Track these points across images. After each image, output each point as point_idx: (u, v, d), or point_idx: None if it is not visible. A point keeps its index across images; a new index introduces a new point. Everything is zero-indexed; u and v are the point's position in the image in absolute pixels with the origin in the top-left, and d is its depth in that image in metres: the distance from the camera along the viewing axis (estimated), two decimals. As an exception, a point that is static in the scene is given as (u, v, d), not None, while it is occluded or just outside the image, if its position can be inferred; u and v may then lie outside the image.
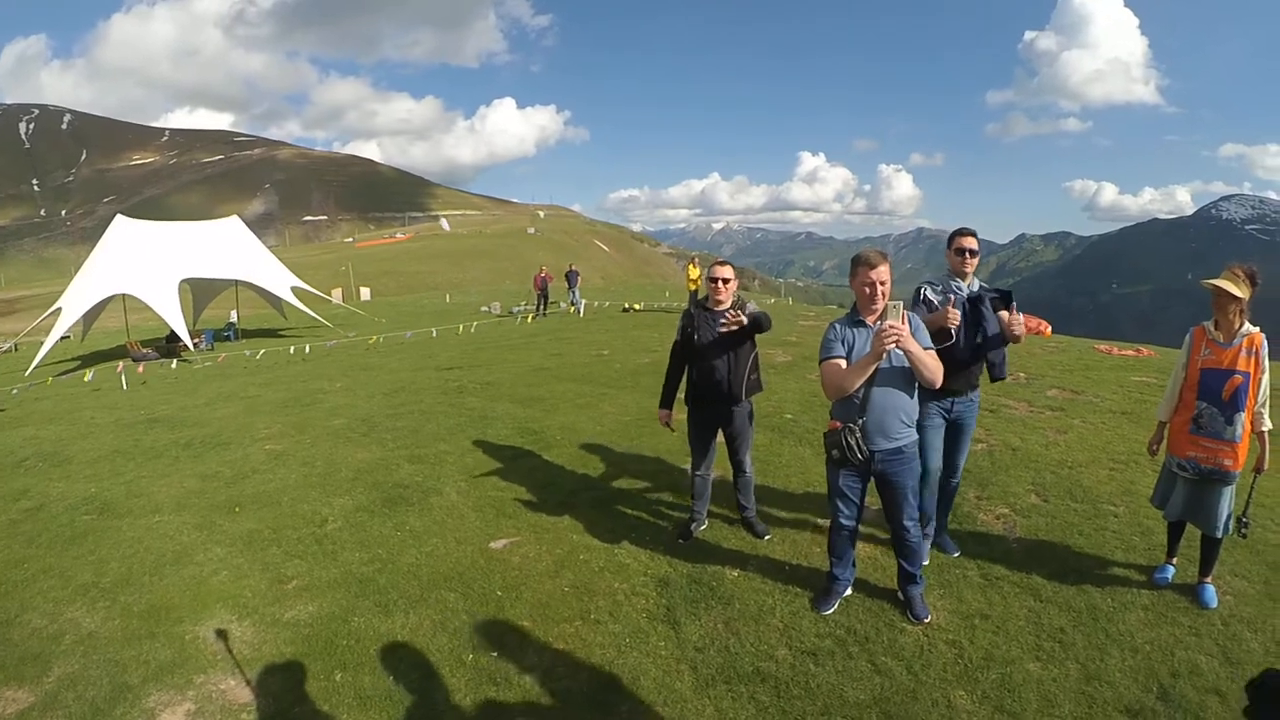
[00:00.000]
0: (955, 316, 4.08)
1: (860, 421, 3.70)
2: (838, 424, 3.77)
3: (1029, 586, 4.33)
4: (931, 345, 3.75)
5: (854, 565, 4.30)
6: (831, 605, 4.18)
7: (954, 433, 4.55)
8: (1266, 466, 3.97)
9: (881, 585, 4.38)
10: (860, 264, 3.75)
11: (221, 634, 4.16)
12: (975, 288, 4.38)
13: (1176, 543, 4.39)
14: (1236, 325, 3.89)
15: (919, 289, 4.48)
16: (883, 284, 3.67)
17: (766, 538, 5.07)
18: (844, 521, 4.03)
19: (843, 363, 3.73)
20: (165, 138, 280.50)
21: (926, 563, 4.47)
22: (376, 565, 4.93)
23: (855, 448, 3.68)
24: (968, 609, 4.13)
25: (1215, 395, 3.89)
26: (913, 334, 3.54)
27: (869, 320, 3.77)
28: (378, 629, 4.16)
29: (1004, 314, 4.33)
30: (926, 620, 4.00)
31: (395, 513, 5.81)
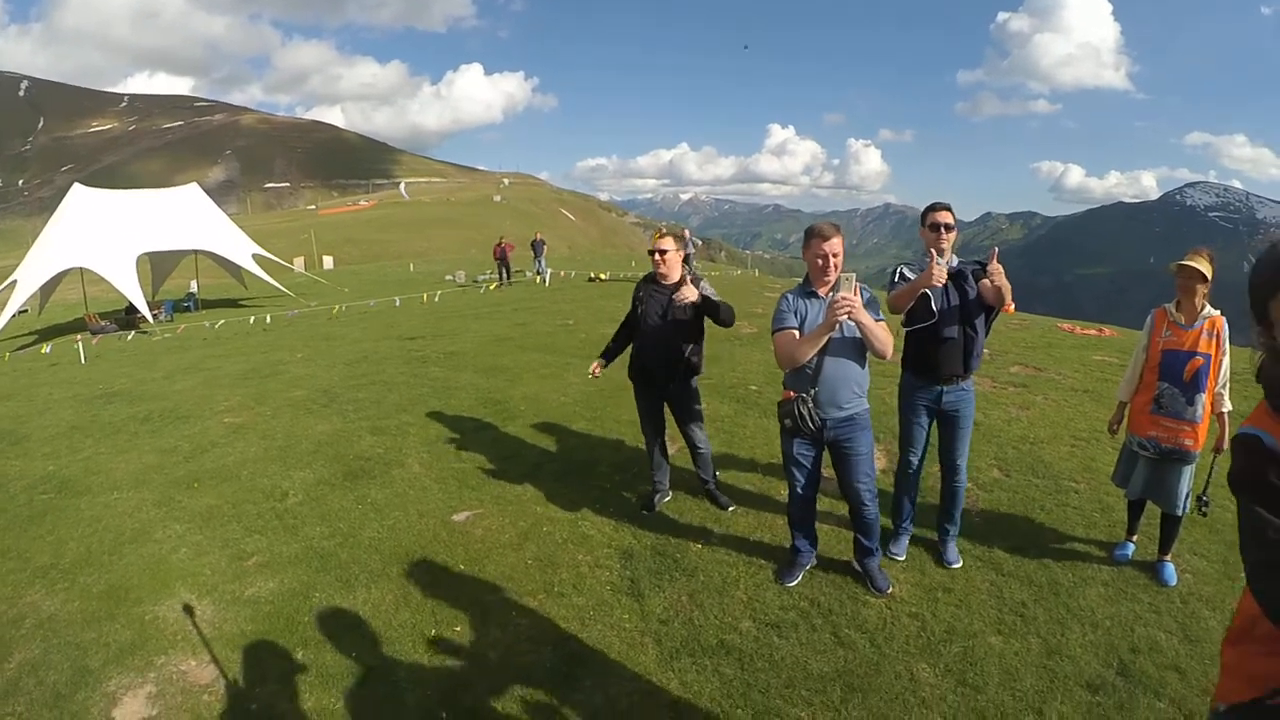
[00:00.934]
0: (941, 273, 3.76)
1: (813, 391, 3.73)
2: (791, 394, 3.80)
3: (991, 560, 4.37)
4: (882, 317, 3.77)
5: (816, 537, 4.33)
6: (795, 577, 4.20)
7: (948, 426, 4.25)
8: (1225, 446, 3.95)
9: (844, 559, 4.39)
10: (814, 236, 3.76)
11: (183, 613, 4.07)
12: (954, 264, 4.08)
13: (1137, 520, 4.47)
14: (1199, 308, 3.96)
15: (894, 269, 4.25)
16: (835, 256, 3.70)
17: (730, 509, 5.05)
18: (800, 491, 4.06)
19: (795, 333, 3.75)
20: (124, 103, 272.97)
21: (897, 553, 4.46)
22: (338, 539, 4.84)
23: (808, 417, 3.71)
24: (930, 582, 4.16)
25: (1176, 376, 3.96)
26: (865, 306, 3.57)
27: (821, 292, 3.79)
28: (339, 605, 4.10)
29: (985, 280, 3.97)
30: (888, 591, 4.05)
31: (356, 486, 5.71)
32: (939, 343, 4.04)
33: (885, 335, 3.64)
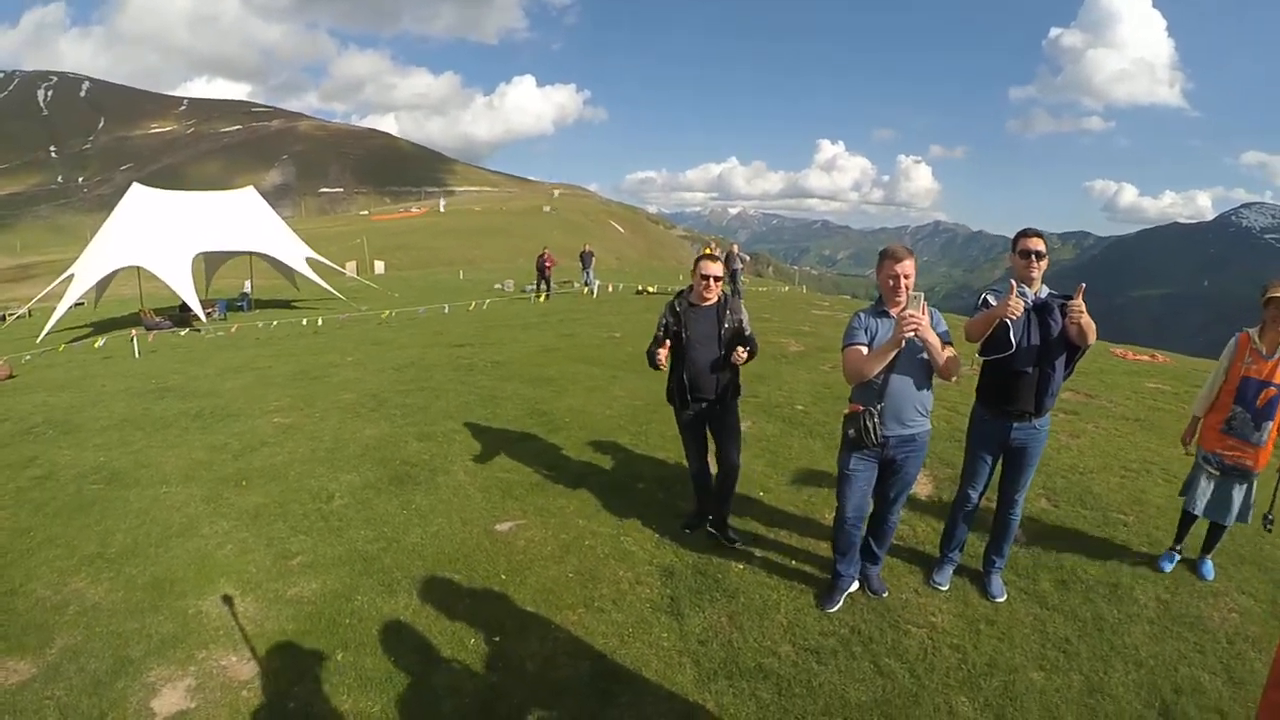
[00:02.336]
0: (1017, 305, 3.64)
1: (879, 406, 3.79)
2: (858, 406, 3.86)
3: (1035, 593, 4.30)
4: (950, 340, 3.80)
5: (858, 561, 4.30)
6: (836, 602, 4.19)
7: (1013, 462, 4.15)
8: None
9: (892, 586, 4.35)
10: (887, 257, 3.86)
11: (226, 608, 4.17)
12: (1043, 295, 3.91)
13: (1185, 532, 4.66)
14: None
15: (981, 295, 4.07)
16: (907, 277, 3.77)
17: (737, 544, 4.86)
18: (848, 510, 4.07)
19: (864, 349, 3.83)
20: (184, 107, 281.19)
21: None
22: (381, 544, 4.92)
23: (872, 430, 3.77)
24: (973, 613, 4.10)
25: (1250, 402, 4.18)
26: (933, 326, 3.68)
27: (893, 311, 3.83)
28: (381, 609, 4.16)
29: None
30: (884, 595, 4.24)
31: (402, 491, 5.79)
32: (1014, 376, 3.91)
33: (953, 356, 3.75)
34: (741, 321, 4.64)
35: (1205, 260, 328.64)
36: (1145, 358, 12.10)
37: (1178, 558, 4.62)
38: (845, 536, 4.15)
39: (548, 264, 24.75)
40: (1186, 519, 4.61)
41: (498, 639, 3.88)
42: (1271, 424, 4.14)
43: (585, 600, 4.25)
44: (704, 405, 4.73)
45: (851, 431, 3.85)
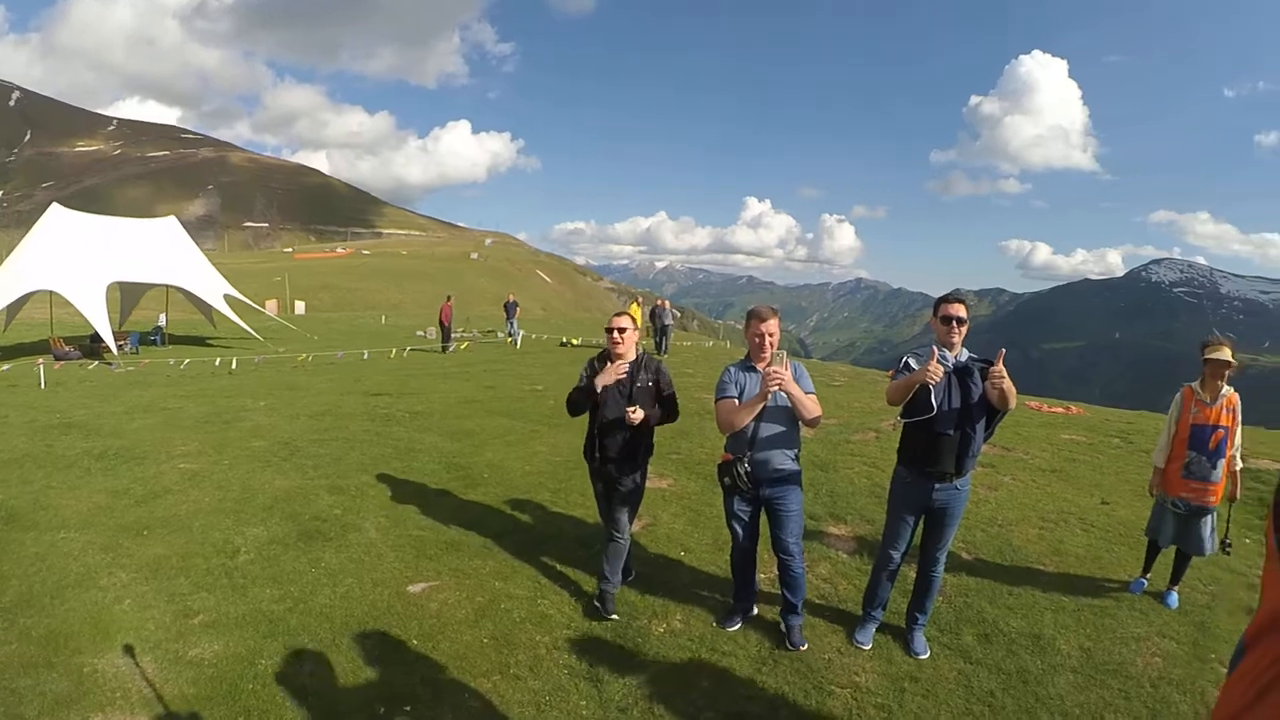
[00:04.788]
0: (937, 370, 3.74)
1: (749, 454, 4.13)
2: (729, 455, 4.21)
3: (959, 648, 4.32)
4: (813, 390, 4.16)
5: (756, 588, 4.67)
6: (735, 624, 4.53)
7: (934, 522, 4.21)
8: (1239, 495, 4.99)
9: (814, 647, 4.32)
10: (753, 318, 4.22)
11: (123, 668, 3.89)
12: (964, 358, 3.99)
13: (1153, 561, 5.25)
14: (1220, 388, 4.75)
15: (902, 359, 4.16)
16: (771, 335, 4.13)
17: (613, 618, 4.66)
18: (740, 543, 4.42)
19: (735, 401, 4.16)
20: (112, 126, 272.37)
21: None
22: (288, 604, 4.66)
23: (744, 476, 4.13)
24: (897, 671, 4.09)
25: (1203, 446, 4.77)
26: (796, 379, 4.04)
27: (759, 366, 4.17)
28: (286, 674, 3.92)
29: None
30: (803, 648, 4.31)
31: (311, 547, 5.53)
32: (935, 438, 3.94)
33: (814, 405, 4.08)
34: (656, 382, 4.62)
35: (1117, 313, 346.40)
36: (1060, 410, 12.51)
37: (1146, 583, 5.18)
38: (740, 561, 4.52)
39: (445, 313, 23.28)
40: (1152, 550, 5.21)
41: (409, 708, 3.68)
42: (1224, 461, 4.75)
43: (501, 667, 4.07)
44: (611, 464, 4.63)
45: (726, 479, 4.21)
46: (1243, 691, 1.65)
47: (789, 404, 4.07)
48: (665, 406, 4.65)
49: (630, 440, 4.58)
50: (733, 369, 4.28)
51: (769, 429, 4.13)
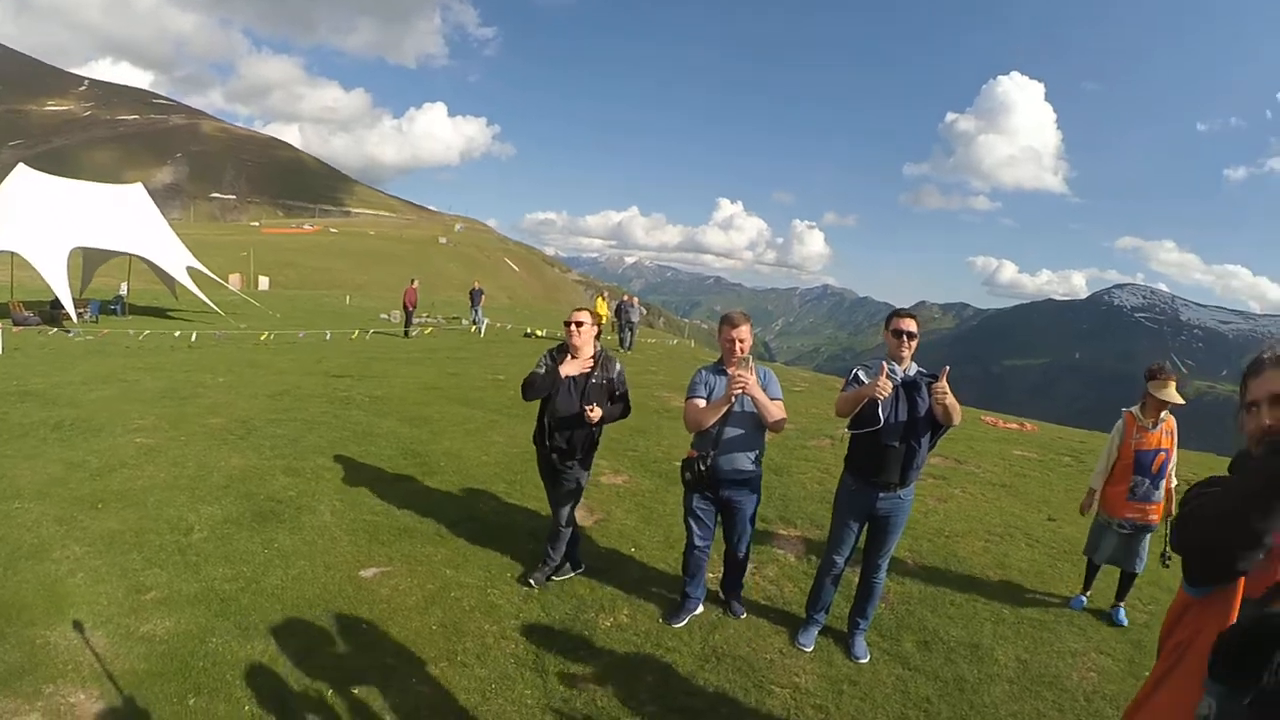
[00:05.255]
0: (885, 386, 3.82)
1: (712, 453, 4.27)
2: (694, 452, 4.35)
3: (898, 654, 4.43)
4: (780, 396, 4.31)
5: (705, 586, 4.80)
6: (682, 620, 4.62)
7: (877, 529, 4.29)
8: (1174, 512, 4.91)
9: (757, 647, 4.40)
10: (725, 323, 4.34)
11: (75, 642, 3.88)
12: (912, 372, 4.09)
13: (1093, 578, 5.41)
14: (1160, 414, 4.99)
15: (852, 370, 4.23)
16: (742, 341, 4.26)
17: (530, 584, 4.91)
18: (697, 542, 4.56)
19: (703, 402, 4.32)
20: (84, 87, 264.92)
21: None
22: (240, 584, 4.65)
23: (704, 473, 4.27)
24: (836, 674, 4.18)
25: (1146, 469, 5.00)
26: (763, 385, 4.21)
27: (730, 370, 4.24)
28: (236, 653, 3.92)
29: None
30: (742, 617, 4.72)
31: (265, 528, 5.51)
32: (881, 450, 4.03)
33: (778, 410, 4.22)
34: (612, 380, 4.73)
35: (1078, 334, 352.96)
36: (1014, 425, 12.76)
37: (1086, 600, 5.35)
38: (693, 560, 4.61)
39: (408, 297, 23.41)
40: (1091, 569, 5.39)
41: (356, 690, 3.71)
42: (1164, 481, 5.03)
43: (449, 654, 4.10)
44: (556, 454, 4.76)
45: (688, 475, 4.35)
46: (1148, 685, 1.82)
47: (754, 409, 4.21)
48: (617, 404, 4.77)
49: (576, 433, 4.69)
50: (704, 371, 4.45)
51: (732, 431, 4.28)
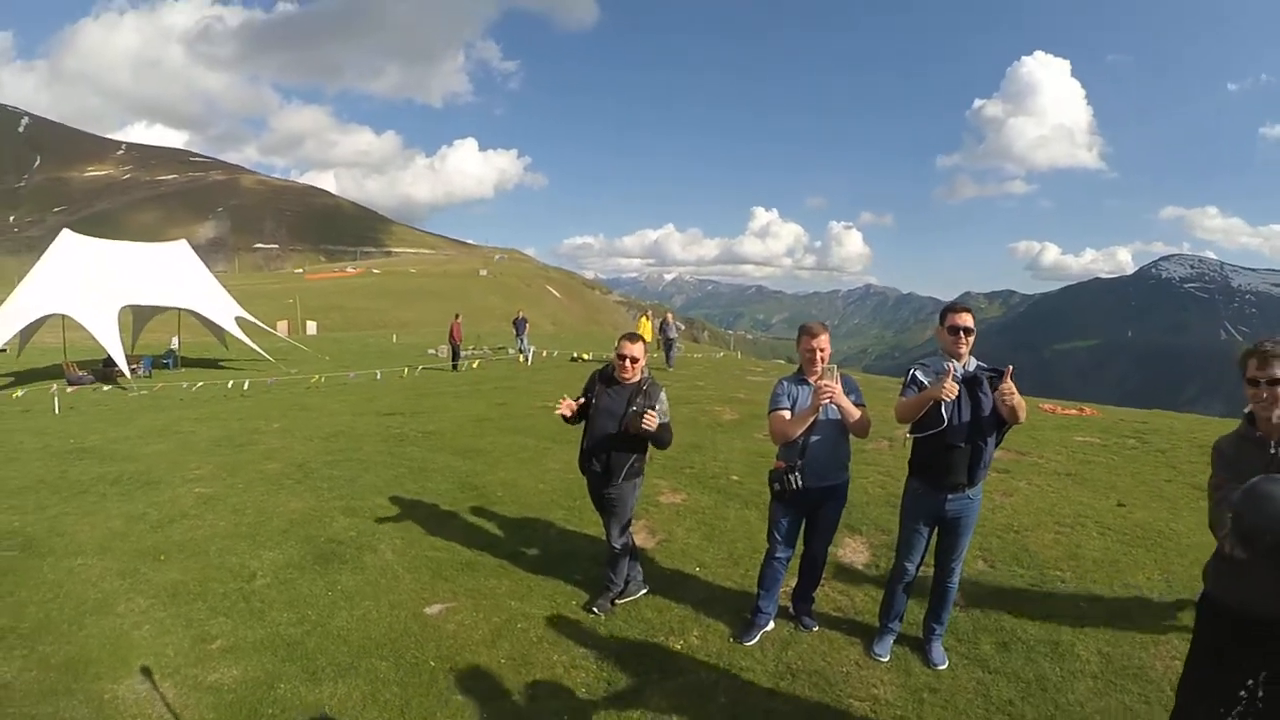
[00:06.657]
0: (952, 389, 3.70)
1: (799, 463, 4.23)
2: (782, 464, 4.31)
3: (977, 658, 4.29)
4: (863, 403, 4.32)
5: (777, 602, 4.73)
6: (753, 637, 4.56)
7: (948, 532, 4.19)
8: None
9: (832, 660, 4.31)
10: (804, 333, 4.37)
11: (143, 695, 3.92)
12: (971, 367, 3.94)
13: None
14: None
15: (909, 371, 4.10)
16: (822, 350, 4.28)
17: (594, 612, 4.88)
18: (778, 553, 4.56)
19: (788, 413, 4.31)
20: (121, 151, 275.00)
21: None
22: (305, 627, 4.68)
23: (793, 483, 4.21)
24: (915, 683, 4.06)
25: None
26: (846, 392, 4.21)
27: (811, 379, 4.31)
28: (304, 698, 3.93)
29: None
30: (814, 630, 4.65)
31: (327, 570, 5.54)
32: (946, 451, 3.91)
33: (864, 419, 4.25)
34: (654, 409, 4.57)
35: (1128, 312, 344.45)
36: (1073, 411, 12.42)
37: None
38: (771, 573, 4.60)
39: (455, 331, 23.88)
40: None
41: (427, 731, 3.68)
42: None
43: (519, 688, 4.07)
44: (594, 477, 4.85)
45: (776, 486, 4.30)
46: None
47: (839, 416, 4.24)
48: (662, 436, 4.69)
49: (614, 456, 4.72)
50: (785, 382, 4.45)
51: (819, 439, 4.28)
